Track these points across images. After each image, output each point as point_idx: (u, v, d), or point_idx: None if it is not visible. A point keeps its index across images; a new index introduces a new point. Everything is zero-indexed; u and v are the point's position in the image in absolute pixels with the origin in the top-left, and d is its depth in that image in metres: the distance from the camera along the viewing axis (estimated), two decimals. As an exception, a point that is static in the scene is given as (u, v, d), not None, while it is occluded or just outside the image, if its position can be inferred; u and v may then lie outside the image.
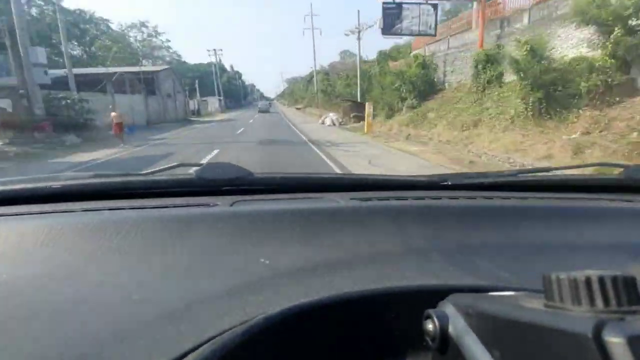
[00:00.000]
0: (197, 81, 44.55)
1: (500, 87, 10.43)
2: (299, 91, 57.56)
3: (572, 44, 8.90)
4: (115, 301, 0.40)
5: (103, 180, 0.88)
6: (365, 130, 14.44)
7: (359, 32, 24.05)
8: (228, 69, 76.95)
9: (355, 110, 19.46)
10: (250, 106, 68.53)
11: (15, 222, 0.63)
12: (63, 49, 17.53)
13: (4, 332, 0.35)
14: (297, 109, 44.67)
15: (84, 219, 0.62)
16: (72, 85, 16.37)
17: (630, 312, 0.21)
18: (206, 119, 32.91)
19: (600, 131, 6.87)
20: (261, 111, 39.67)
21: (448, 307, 0.32)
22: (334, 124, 19.58)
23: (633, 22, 7.04)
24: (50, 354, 0.32)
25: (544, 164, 6.42)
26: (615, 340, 0.19)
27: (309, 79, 49.24)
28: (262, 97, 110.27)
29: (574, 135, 7.12)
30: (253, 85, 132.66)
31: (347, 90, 24.43)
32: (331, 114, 21.17)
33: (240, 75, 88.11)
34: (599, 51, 7.67)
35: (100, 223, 0.58)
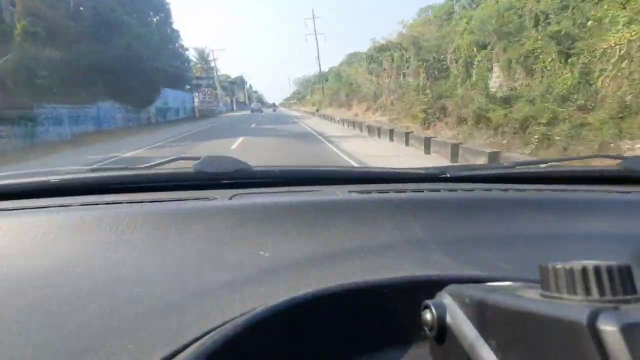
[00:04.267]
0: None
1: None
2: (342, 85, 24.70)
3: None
4: (116, 295, 0.40)
5: (101, 174, 0.88)
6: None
7: None
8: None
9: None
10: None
11: (12, 217, 0.62)
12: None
13: (3, 326, 0.35)
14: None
15: (82, 213, 0.62)
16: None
17: (625, 301, 0.21)
18: None
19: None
20: (254, 111, 39.20)
21: (446, 298, 0.33)
22: None
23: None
24: (51, 349, 0.32)
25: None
26: (609, 329, 0.19)
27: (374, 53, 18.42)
28: (260, 101, 77.50)
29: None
30: (243, 80, 79.26)
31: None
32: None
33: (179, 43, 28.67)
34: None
35: (98, 218, 0.58)
